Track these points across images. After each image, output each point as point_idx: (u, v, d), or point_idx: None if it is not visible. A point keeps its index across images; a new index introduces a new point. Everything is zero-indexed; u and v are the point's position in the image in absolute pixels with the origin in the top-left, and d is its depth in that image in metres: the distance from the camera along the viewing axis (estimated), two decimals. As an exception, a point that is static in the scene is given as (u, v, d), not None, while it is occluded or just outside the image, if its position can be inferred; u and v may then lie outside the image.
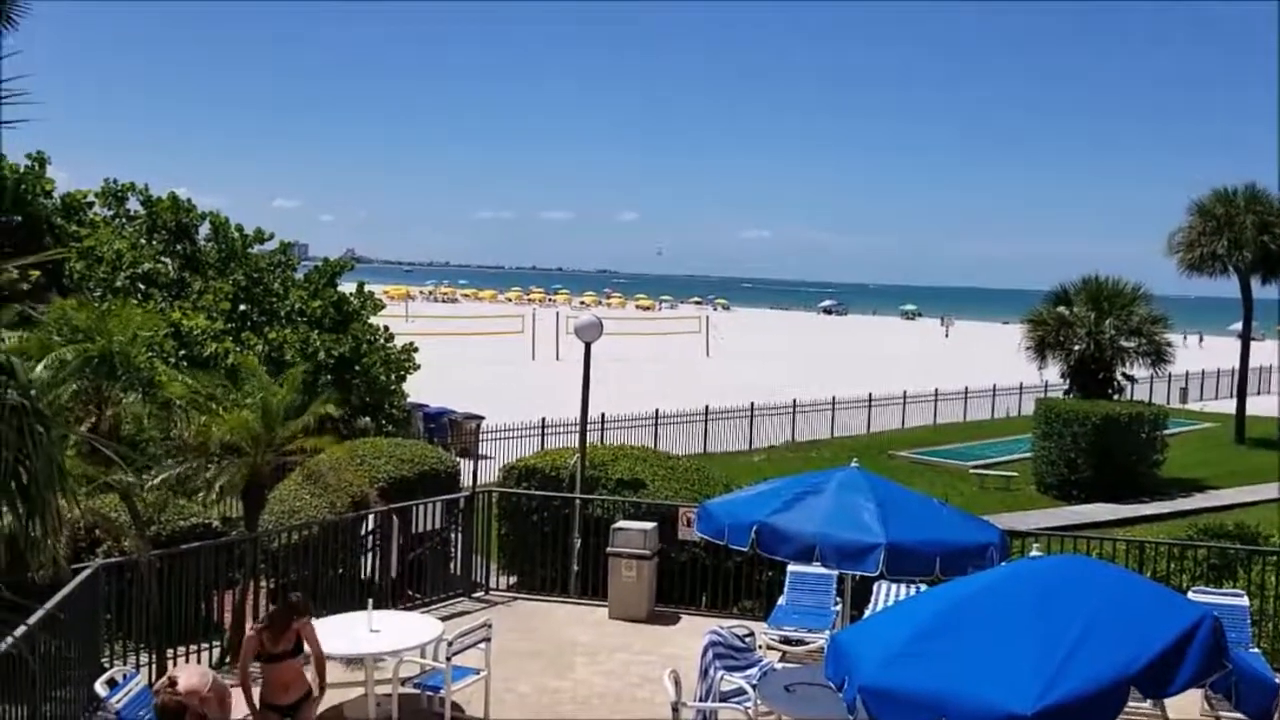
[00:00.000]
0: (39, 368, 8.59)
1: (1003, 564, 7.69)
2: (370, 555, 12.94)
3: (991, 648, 5.12)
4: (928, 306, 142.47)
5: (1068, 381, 29.88)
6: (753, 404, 33.23)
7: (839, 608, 10.83)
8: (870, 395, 36.97)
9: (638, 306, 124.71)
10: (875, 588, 10.63)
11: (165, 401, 10.70)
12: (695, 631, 10.86)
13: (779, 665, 9.42)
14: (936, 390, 39.31)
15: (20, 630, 6.58)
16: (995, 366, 47.59)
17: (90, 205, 20.94)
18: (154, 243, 20.69)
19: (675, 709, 7.76)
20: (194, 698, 6.83)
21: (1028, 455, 28.95)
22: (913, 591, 10.30)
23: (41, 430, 4.65)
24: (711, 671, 8.47)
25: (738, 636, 9.07)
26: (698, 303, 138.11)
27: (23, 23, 13.37)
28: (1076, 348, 29.09)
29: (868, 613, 10.33)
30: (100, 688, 7.49)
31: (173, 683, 6.99)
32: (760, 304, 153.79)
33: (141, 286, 19.21)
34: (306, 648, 7.46)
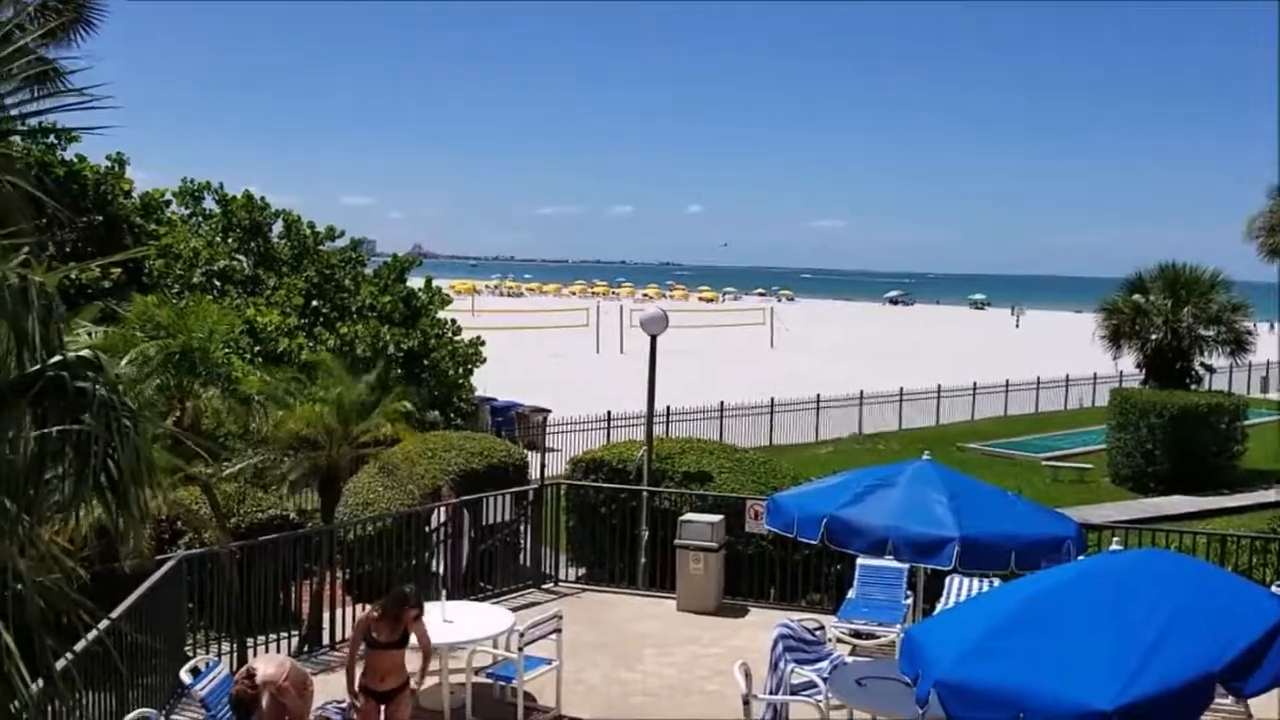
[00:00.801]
0: (124, 363, 8.84)
1: (1080, 558, 7.57)
2: (442, 547, 13.13)
3: (1070, 643, 5.05)
4: (997, 296, 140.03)
5: (1143, 371, 29.15)
6: (818, 396, 33.00)
7: (910, 601, 10.74)
8: (939, 387, 36.49)
9: (701, 299, 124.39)
10: (947, 582, 10.52)
11: (243, 396, 10.96)
12: (764, 624, 10.86)
13: (850, 659, 9.37)
14: (1007, 381, 38.65)
15: (110, 619, 6.78)
16: (1068, 357, 46.67)
17: (168, 204, 21.49)
18: (229, 240, 21.18)
19: (746, 701, 7.75)
20: (270, 687, 6.98)
21: (1102, 447, 28.34)
22: (985, 586, 10.17)
23: (129, 425, 4.76)
24: (782, 664, 8.45)
25: (808, 629, 9.04)
26: (762, 294, 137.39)
27: (99, 26, 13.74)
28: (1153, 337, 28.35)
29: (940, 607, 10.24)
30: (185, 675, 7.70)
31: (250, 674, 7.16)
32: (825, 295, 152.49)
33: (217, 283, 19.68)
34: (414, 640, 7.57)
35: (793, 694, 8.35)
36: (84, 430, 4.42)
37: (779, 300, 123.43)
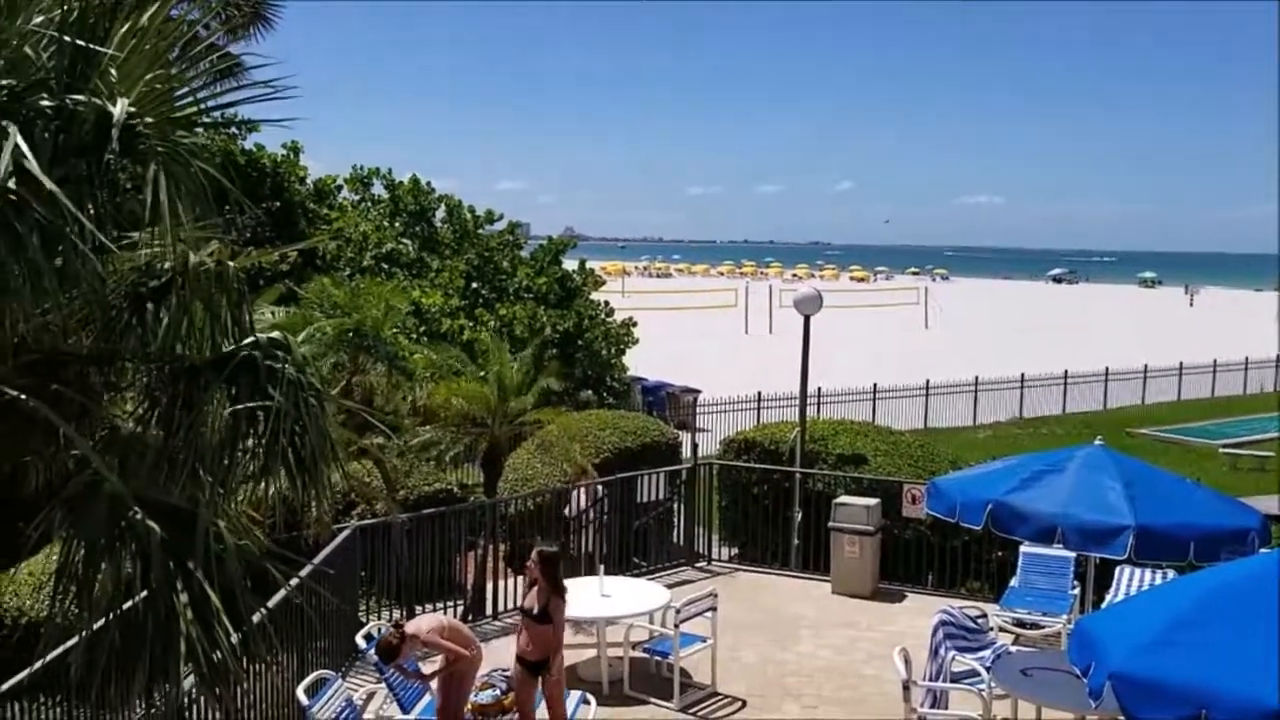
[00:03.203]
0: (302, 342, 9.32)
1: (1264, 550, 7.16)
2: (597, 523, 13.37)
3: (1259, 640, 4.79)
4: (1169, 274, 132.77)
5: (1335, 354, 27.22)
6: (977, 378, 32.03)
7: (1077, 591, 10.37)
8: (1106, 369, 34.93)
9: (852, 278, 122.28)
10: (1117, 572, 10.09)
11: (410, 374, 11.41)
12: (921, 610, 10.67)
13: (1013, 648, 9.11)
14: (1181, 364, 36.68)
15: (300, 577, 7.18)
16: (1247, 338, 43.93)
17: (339, 190, 22.47)
18: (396, 224, 21.99)
19: (906, 687, 7.65)
20: (415, 641, 7.23)
21: (1286, 434, 26.65)
22: (1159, 578, 9.73)
23: (315, 402, 5.01)
24: (942, 651, 8.29)
25: (969, 617, 8.84)
26: (915, 273, 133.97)
27: (277, 23, 14.38)
28: (1346, 316, 26.41)
29: (1109, 598, 9.85)
30: (360, 640, 8.10)
31: (398, 625, 7.46)
32: (983, 273, 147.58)
33: (385, 266, 20.48)
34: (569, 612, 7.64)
35: (953, 682, 8.19)
36: (273, 407, 4.67)
37: (933, 279, 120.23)
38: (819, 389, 26.25)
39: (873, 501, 12.19)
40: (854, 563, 12.02)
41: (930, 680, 8.10)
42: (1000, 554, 11.96)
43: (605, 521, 12.96)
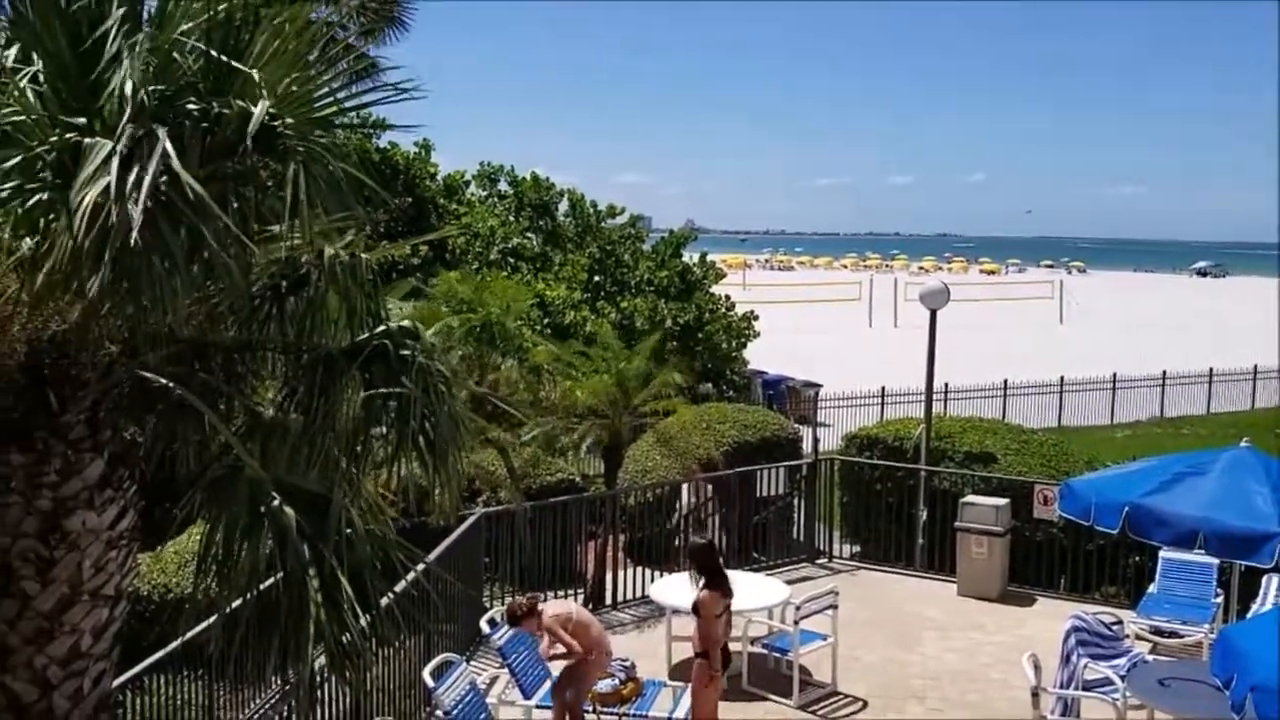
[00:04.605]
0: (430, 334, 9.56)
1: None
2: (716, 517, 13.37)
3: None
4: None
5: None
6: (1114, 375, 30.80)
7: (1220, 600, 9.91)
8: (1255, 367, 33.17)
9: (982, 271, 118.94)
10: (1265, 581, 9.58)
11: (534, 366, 11.60)
12: (1052, 615, 10.35)
13: (1150, 657, 8.77)
14: (1344, 362, 34.57)
15: (426, 562, 7.39)
16: None
17: (467, 185, 22.99)
18: (520, 219, 22.38)
19: (1035, 693, 7.43)
20: (536, 621, 7.37)
21: None
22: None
23: (444, 389, 5.14)
24: (1074, 658, 8.04)
25: (1103, 623, 8.53)
26: (1049, 266, 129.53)
27: (410, 25, 14.78)
28: None
29: (1255, 608, 9.37)
30: (484, 625, 8.28)
31: (532, 598, 7.61)
32: (1122, 266, 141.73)
33: (510, 260, 20.87)
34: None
35: (1086, 690, 7.92)
36: (405, 394, 4.82)
37: (1068, 272, 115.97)
38: (945, 385, 25.63)
39: (1002, 501, 11.86)
40: (981, 564, 11.72)
41: (1061, 687, 7.86)
42: (1137, 559, 11.51)
43: (723, 515, 12.95)
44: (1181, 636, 9.77)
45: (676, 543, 12.39)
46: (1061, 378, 30.04)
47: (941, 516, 12.61)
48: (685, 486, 13.23)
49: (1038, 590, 11.90)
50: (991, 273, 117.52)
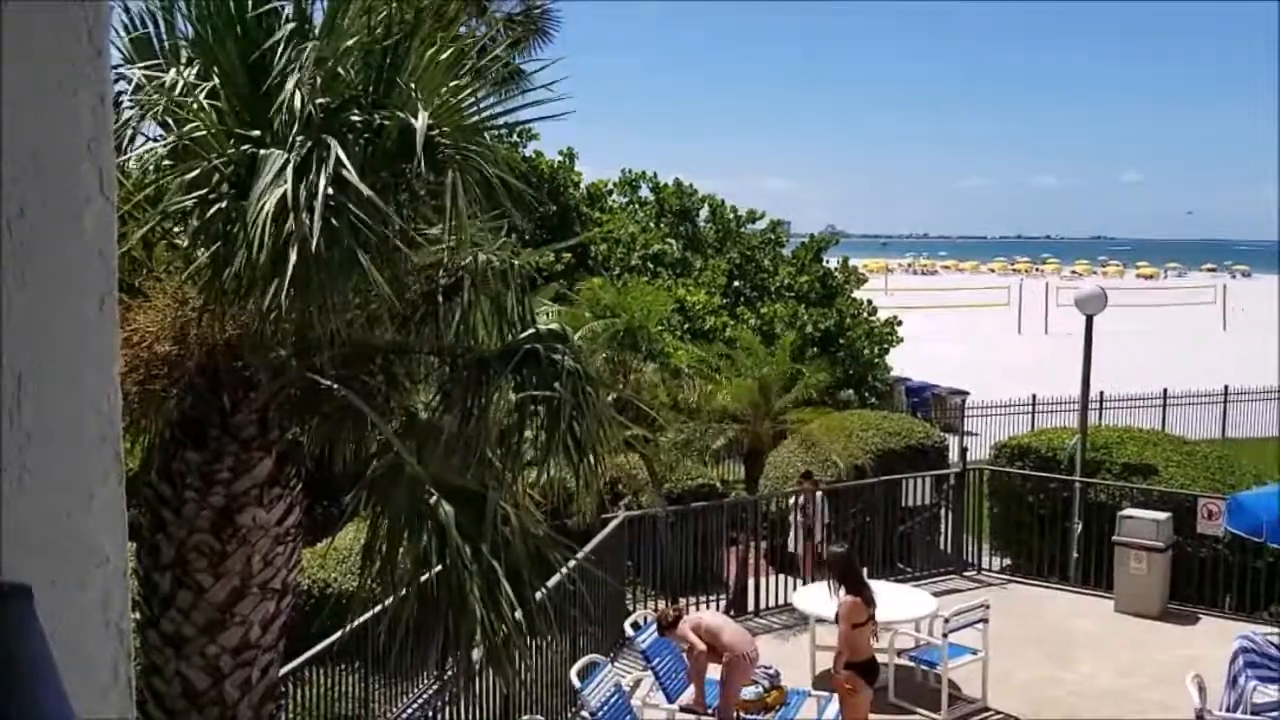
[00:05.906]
0: (575, 339, 9.72)
1: None
2: (861, 526, 13.14)
3: None
4: None
5: None
6: (1284, 384, 28.99)
7: None
8: None
9: (1139, 275, 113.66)
10: None
11: (674, 370, 11.66)
12: (1218, 635, 9.81)
13: (1329, 683, 8.21)
14: None
15: (577, 559, 7.51)
16: None
17: (610, 193, 23.27)
18: (661, 225, 22.52)
19: (1200, 716, 7.06)
20: (676, 630, 7.39)
21: None
22: None
23: (592, 393, 5.22)
24: (1242, 680, 7.61)
25: (1274, 644, 8.04)
26: (1211, 270, 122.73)
27: (554, 36, 15.03)
28: None
29: None
30: (628, 628, 8.35)
31: (679, 608, 7.65)
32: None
33: (651, 266, 21.02)
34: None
35: (1254, 714, 7.48)
36: (554, 396, 4.91)
37: (1233, 276, 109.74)
38: (1101, 394, 24.59)
39: (1163, 516, 11.31)
40: (1140, 580, 11.19)
41: (1227, 711, 7.45)
42: (1314, 579, 10.81)
43: (867, 524, 12.72)
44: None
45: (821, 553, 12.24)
46: (1226, 386, 28.44)
47: (1097, 530, 12.09)
48: (819, 495, 13.07)
49: (1201, 609, 11.29)
50: (1149, 277, 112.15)
